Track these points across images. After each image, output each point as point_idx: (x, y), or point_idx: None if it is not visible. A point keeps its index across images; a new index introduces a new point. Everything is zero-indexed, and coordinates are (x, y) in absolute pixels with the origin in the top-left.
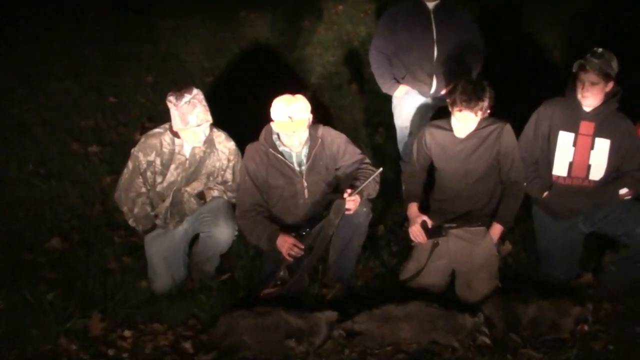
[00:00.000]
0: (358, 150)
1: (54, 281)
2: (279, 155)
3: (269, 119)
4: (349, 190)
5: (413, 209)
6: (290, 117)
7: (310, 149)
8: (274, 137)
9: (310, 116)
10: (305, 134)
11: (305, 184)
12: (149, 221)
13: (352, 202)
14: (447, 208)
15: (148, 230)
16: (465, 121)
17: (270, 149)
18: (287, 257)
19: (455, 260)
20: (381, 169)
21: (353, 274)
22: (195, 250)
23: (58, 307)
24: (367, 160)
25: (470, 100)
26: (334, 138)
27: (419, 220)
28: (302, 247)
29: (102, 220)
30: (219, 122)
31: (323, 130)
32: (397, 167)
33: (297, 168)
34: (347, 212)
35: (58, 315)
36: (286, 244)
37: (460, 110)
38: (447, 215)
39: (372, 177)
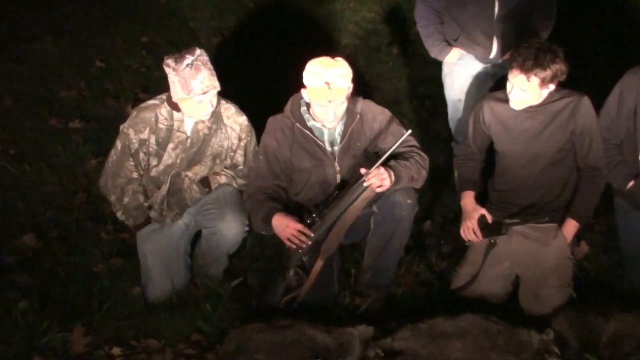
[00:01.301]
0: (404, 131)
1: (27, 287)
2: (307, 132)
3: (291, 90)
4: (363, 170)
5: (469, 199)
6: (327, 82)
7: (347, 126)
8: (303, 109)
9: (351, 86)
10: (342, 106)
11: (338, 168)
12: (142, 213)
13: (374, 177)
14: (509, 200)
15: (141, 225)
16: (516, 84)
17: (297, 124)
18: (288, 244)
19: (519, 264)
20: (409, 131)
21: (393, 280)
22: (198, 249)
23: (32, 319)
24: (414, 143)
25: (526, 61)
26: (376, 114)
27: (476, 215)
28: (311, 234)
29: (85, 213)
30: (228, 93)
31: (363, 105)
32: (449, 149)
33: (328, 148)
34: (378, 190)
35: (32, 328)
36: (288, 229)
37: (512, 68)
38: (509, 208)
39: (395, 145)
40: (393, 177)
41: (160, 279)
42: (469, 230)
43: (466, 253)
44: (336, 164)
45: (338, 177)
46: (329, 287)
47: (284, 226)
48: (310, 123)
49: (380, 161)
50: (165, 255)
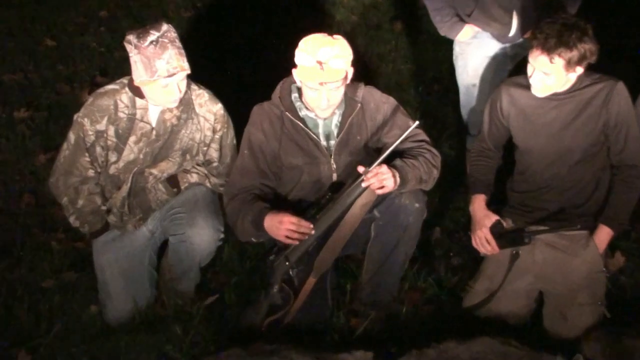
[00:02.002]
0: (411, 122)
1: None
2: (298, 123)
3: (279, 74)
4: (361, 168)
5: (478, 204)
6: (320, 62)
7: (345, 116)
8: (294, 96)
9: (351, 70)
10: (338, 92)
11: (334, 166)
12: (99, 218)
13: (374, 176)
14: (532, 203)
15: (98, 232)
16: (537, 67)
17: (287, 113)
18: (288, 241)
19: (543, 279)
20: (416, 122)
21: (396, 296)
22: (165, 261)
23: None
24: (424, 137)
25: (548, 39)
26: (380, 103)
27: (488, 222)
28: (310, 225)
29: (32, 218)
30: (201, 78)
31: (365, 92)
32: (461, 143)
33: (323, 142)
34: (379, 192)
35: None
36: (282, 225)
37: (533, 48)
38: (532, 213)
39: (404, 136)
40: (398, 179)
41: (120, 296)
42: (482, 241)
43: (482, 266)
44: (332, 161)
45: (334, 176)
46: (321, 306)
47: (278, 223)
48: (302, 112)
49: (381, 157)
50: (126, 267)
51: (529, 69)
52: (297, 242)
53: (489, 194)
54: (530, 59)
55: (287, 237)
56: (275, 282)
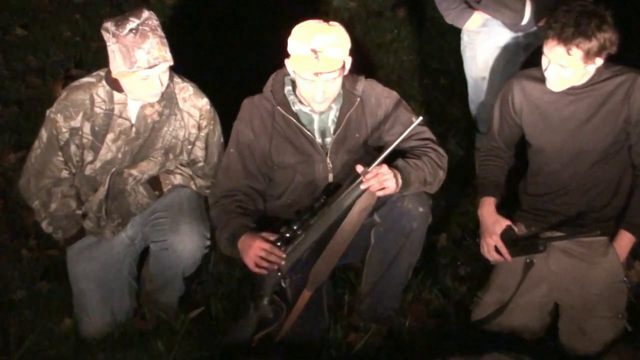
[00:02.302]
0: (415, 118)
1: None
2: (291, 118)
3: (270, 66)
4: (359, 168)
5: (488, 208)
6: (315, 50)
7: (343, 111)
8: (287, 89)
9: (348, 59)
10: (334, 84)
11: (330, 166)
12: (74, 224)
13: (374, 177)
14: (547, 207)
15: (72, 239)
16: (553, 59)
17: (279, 107)
18: (255, 270)
19: (559, 289)
20: (420, 118)
21: (398, 309)
22: (146, 270)
23: None
24: (429, 135)
25: (565, 28)
26: (381, 98)
27: (498, 228)
28: (282, 255)
29: (0, 223)
30: (186, 70)
31: (365, 86)
32: (469, 142)
33: (318, 140)
34: (379, 194)
35: None
36: (251, 250)
37: (548, 38)
38: (547, 218)
39: (406, 132)
40: (400, 181)
41: (97, 308)
42: (490, 249)
43: (492, 275)
44: (328, 160)
45: (330, 176)
46: (317, 319)
47: (248, 246)
48: (296, 107)
49: (382, 156)
50: (103, 277)
51: (544, 62)
52: (264, 272)
53: (499, 196)
54: (545, 50)
55: (256, 264)
56: (266, 293)
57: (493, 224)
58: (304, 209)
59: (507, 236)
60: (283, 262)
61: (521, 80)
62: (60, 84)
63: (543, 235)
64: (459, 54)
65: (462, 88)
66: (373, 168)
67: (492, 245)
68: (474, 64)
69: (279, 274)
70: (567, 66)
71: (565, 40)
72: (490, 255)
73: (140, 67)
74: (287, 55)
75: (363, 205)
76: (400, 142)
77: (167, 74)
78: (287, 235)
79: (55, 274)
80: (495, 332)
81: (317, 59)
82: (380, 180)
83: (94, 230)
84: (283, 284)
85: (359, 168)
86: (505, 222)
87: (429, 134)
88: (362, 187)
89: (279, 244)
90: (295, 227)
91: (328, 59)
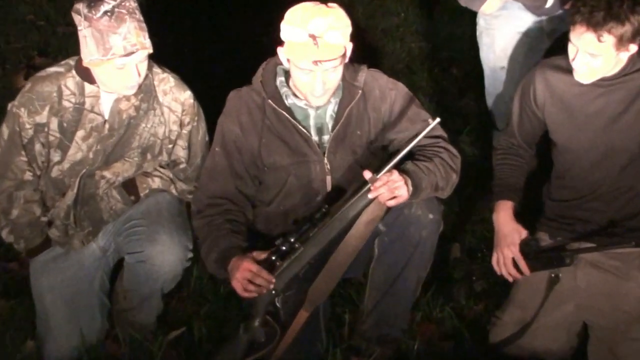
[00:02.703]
0: (424, 114)
1: None
2: (284, 113)
3: (260, 54)
4: (367, 174)
5: (504, 214)
6: (313, 35)
7: (343, 105)
8: (280, 80)
9: (349, 45)
10: (335, 74)
11: (328, 167)
12: (38, 232)
13: (384, 185)
14: (574, 214)
15: (36, 249)
16: (582, 47)
17: (270, 100)
18: (243, 294)
19: (588, 308)
20: (438, 119)
21: (406, 329)
22: (120, 286)
23: None
24: (441, 132)
25: (595, 12)
26: (386, 90)
27: (517, 237)
28: (272, 279)
29: None
30: (166, 60)
31: (368, 76)
32: (486, 140)
33: (314, 137)
34: (389, 204)
35: None
36: (238, 272)
37: (575, 24)
38: (574, 226)
39: (416, 141)
40: (410, 187)
41: (63, 329)
42: (507, 262)
43: (512, 291)
44: (325, 160)
45: (328, 179)
46: (313, 341)
47: (236, 269)
48: (289, 101)
49: (393, 162)
50: (71, 294)
51: (571, 51)
52: (253, 296)
53: (517, 200)
54: (573, 37)
55: (244, 289)
56: (258, 314)
57: (511, 232)
58: (303, 219)
59: (528, 248)
60: (271, 287)
61: (544, 70)
62: (22, 74)
63: (569, 247)
64: (474, 41)
65: (478, 79)
66: (383, 175)
67: (509, 257)
68: (492, 52)
69: (273, 292)
70: (597, 55)
71: (596, 25)
72: (506, 269)
73: (115, 54)
74: (280, 43)
75: (371, 216)
76: (414, 145)
77: (145, 63)
78: (283, 248)
79: (16, 289)
80: (516, 356)
81: (316, 46)
82: (391, 188)
83: (60, 240)
84: (277, 304)
85: (367, 174)
86: (524, 232)
87: (440, 130)
88: (371, 196)
89: (273, 257)
90: (292, 239)
91: (328, 45)
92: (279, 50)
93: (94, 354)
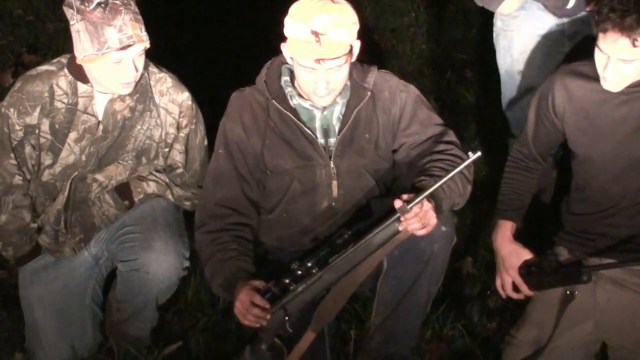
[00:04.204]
0: (436, 118)
1: None
2: (288, 114)
3: (265, 53)
4: (404, 197)
5: (503, 234)
6: (316, 32)
7: (350, 107)
8: (284, 79)
9: (357, 43)
10: (341, 73)
11: (334, 171)
12: (27, 240)
13: (415, 218)
14: (594, 228)
15: (25, 257)
16: (615, 55)
17: (275, 101)
18: (244, 322)
19: (607, 327)
20: (479, 153)
21: (415, 348)
22: (113, 296)
23: None
24: (452, 138)
25: (626, 16)
26: (396, 92)
27: (516, 260)
28: (267, 315)
29: None
30: (164, 59)
31: (377, 77)
32: (501, 148)
33: (320, 140)
34: (419, 234)
35: None
36: (238, 301)
37: (606, 32)
38: (593, 242)
39: (453, 173)
40: (431, 213)
41: (54, 341)
42: (507, 287)
43: (527, 309)
44: (332, 164)
45: (334, 184)
46: (318, 359)
47: (236, 296)
48: (294, 101)
49: (425, 193)
50: (62, 304)
51: (600, 59)
52: (253, 325)
53: (519, 220)
54: (603, 45)
55: (244, 318)
56: (266, 337)
57: (509, 255)
58: (321, 242)
59: (547, 262)
60: (264, 322)
61: (564, 76)
62: (10, 72)
63: (588, 263)
64: (490, 43)
65: (494, 83)
66: (414, 205)
67: (508, 282)
68: (509, 55)
69: (286, 318)
70: (631, 60)
71: (629, 29)
72: (506, 292)
73: (111, 47)
74: (284, 39)
75: (394, 243)
76: (428, 157)
77: (142, 58)
78: (299, 272)
79: (4, 299)
80: None
81: (318, 43)
82: (422, 219)
83: (51, 247)
84: (287, 327)
85: (398, 203)
86: (525, 254)
87: (452, 136)
88: (400, 228)
89: (287, 280)
90: (309, 264)
91: (332, 43)
92: (282, 46)
93: None
